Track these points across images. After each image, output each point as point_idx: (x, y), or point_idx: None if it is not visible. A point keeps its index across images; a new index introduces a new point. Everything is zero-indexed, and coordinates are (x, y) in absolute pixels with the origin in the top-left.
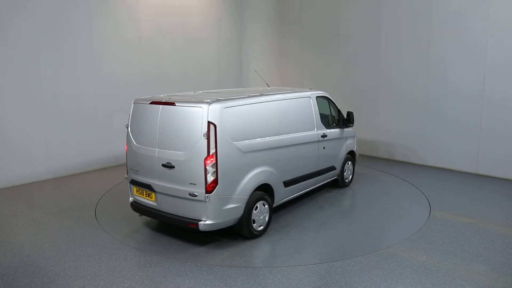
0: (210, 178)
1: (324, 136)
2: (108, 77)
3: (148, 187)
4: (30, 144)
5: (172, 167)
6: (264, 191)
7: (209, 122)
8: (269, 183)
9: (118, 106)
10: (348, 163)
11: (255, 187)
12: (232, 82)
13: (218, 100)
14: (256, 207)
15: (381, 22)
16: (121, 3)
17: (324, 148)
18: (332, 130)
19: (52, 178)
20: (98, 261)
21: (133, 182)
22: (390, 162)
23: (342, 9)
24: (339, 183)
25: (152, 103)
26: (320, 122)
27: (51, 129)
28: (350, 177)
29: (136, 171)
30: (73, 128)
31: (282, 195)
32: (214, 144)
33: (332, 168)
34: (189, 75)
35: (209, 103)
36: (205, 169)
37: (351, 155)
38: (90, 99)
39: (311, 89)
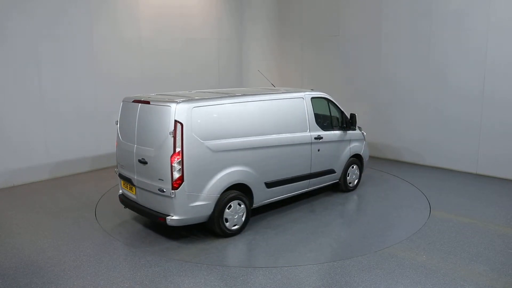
0: (176, 175)
1: (319, 138)
2: (108, 77)
3: (130, 181)
4: (30, 144)
5: (146, 162)
6: (241, 190)
7: (175, 121)
8: (245, 183)
9: (118, 106)
10: (353, 167)
11: (227, 186)
12: (232, 82)
13: (187, 100)
14: (230, 206)
15: (381, 22)
16: (121, 3)
17: (319, 150)
18: (330, 132)
19: (52, 178)
20: (98, 261)
21: (120, 176)
22: (390, 162)
23: (342, 9)
24: (340, 187)
25: (134, 101)
26: (315, 123)
27: (51, 129)
28: (356, 181)
29: (122, 165)
30: (73, 128)
31: (263, 196)
32: (180, 143)
33: (331, 171)
34: (189, 75)
35: (177, 103)
36: (171, 166)
37: (357, 158)
38: (90, 99)
39: (312, 90)
